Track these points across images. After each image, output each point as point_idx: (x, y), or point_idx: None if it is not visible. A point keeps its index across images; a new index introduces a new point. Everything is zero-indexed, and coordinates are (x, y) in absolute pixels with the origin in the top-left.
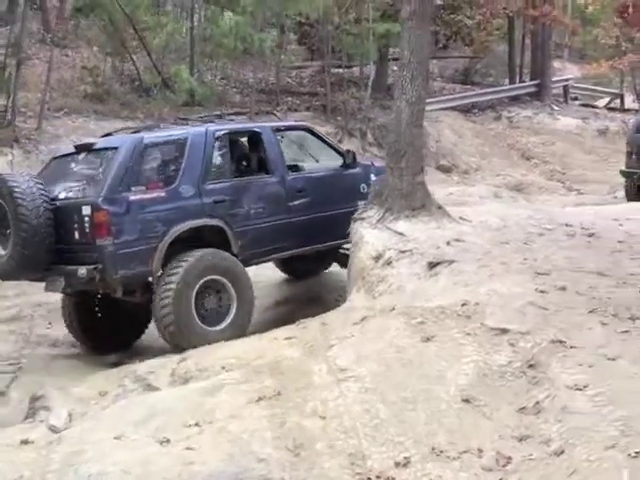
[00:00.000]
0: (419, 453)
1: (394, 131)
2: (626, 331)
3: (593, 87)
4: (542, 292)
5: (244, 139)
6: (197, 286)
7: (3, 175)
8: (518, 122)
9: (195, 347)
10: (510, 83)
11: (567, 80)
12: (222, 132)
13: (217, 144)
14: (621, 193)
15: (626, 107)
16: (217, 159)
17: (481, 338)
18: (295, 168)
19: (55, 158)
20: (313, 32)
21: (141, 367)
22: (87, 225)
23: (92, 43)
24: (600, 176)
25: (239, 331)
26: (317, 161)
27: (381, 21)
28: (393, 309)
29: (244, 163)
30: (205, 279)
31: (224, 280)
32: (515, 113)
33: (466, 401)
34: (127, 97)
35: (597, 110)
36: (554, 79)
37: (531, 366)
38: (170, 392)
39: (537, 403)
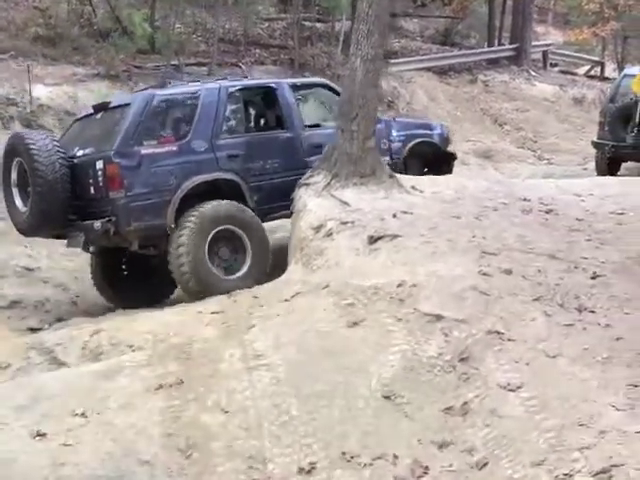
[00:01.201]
0: (328, 458)
1: (347, 90)
2: (570, 324)
3: (575, 54)
4: (486, 275)
5: (259, 95)
6: (210, 235)
7: (20, 132)
8: (494, 86)
9: (211, 295)
10: (489, 46)
11: (547, 45)
12: (235, 88)
13: (230, 100)
14: (592, 165)
15: (606, 75)
16: (231, 114)
17: (413, 325)
18: (313, 124)
19: (76, 120)
20: None
21: (51, 338)
22: (100, 179)
23: None
24: (572, 146)
25: (255, 280)
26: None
27: None
28: (327, 286)
29: (259, 119)
30: (218, 228)
31: (238, 230)
32: (491, 77)
33: (387, 398)
34: (81, 41)
35: (576, 78)
36: (534, 44)
37: (463, 359)
38: (66, 372)
39: (465, 403)
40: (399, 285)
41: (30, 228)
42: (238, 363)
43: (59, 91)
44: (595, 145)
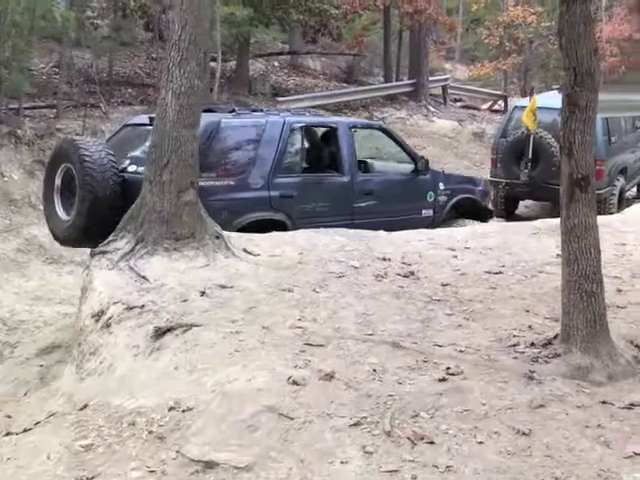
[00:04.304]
0: None
1: (156, 132)
2: (394, 470)
3: (478, 89)
4: (296, 384)
5: (319, 133)
6: None
7: (76, 140)
8: (390, 123)
9: None
10: (386, 82)
11: (445, 80)
12: (299, 124)
13: (293, 136)
14: (488, 204)
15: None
16: (290, 152)
17: None
18: (366, 168)
19: (127, 125)
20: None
21: None
22: None
23: None
24: None
25: None
26: (388, 163)
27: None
28: (85, 407)
29: (316, 158)
30: None
31: None
32: (388, 114)
33: None
34: None
35: (476, 112)
36: (431, 79)
37: None
38: None
39: None
40: (171, 408)
41: (70, 240)
42: None
43: None
44: (489, 184)
